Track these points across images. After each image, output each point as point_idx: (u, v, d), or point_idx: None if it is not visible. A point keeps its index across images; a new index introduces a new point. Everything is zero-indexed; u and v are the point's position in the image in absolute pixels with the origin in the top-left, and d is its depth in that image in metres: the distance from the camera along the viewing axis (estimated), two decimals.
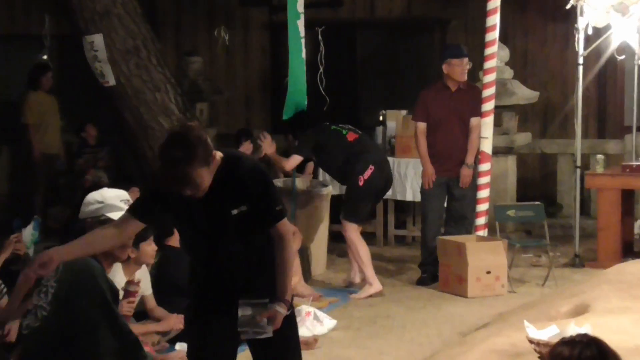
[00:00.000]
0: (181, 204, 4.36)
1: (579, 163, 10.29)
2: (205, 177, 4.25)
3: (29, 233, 6.47)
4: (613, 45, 10.11)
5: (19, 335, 5.02)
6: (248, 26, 13.72)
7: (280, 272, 4.46)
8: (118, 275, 6.24)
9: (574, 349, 3.24)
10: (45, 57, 13.10)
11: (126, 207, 4.99)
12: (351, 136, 8.90)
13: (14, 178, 12.47)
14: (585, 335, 3.39)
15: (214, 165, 4.29)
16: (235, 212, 4.35)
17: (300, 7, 9.05)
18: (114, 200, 5.24)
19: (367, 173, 8.68)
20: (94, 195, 5.32)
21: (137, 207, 4.50)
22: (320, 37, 10.74)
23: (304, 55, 9.12)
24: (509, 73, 11.37)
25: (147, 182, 4.98)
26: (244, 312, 4.28)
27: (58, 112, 11.82)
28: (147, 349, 5.53)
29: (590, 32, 9.77)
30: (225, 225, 4.38)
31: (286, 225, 4.50)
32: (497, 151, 10.24)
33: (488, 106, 9.09)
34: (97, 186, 6.68)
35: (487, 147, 9.08)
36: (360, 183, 8.67)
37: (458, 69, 9.09)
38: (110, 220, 5.02)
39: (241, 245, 4.41)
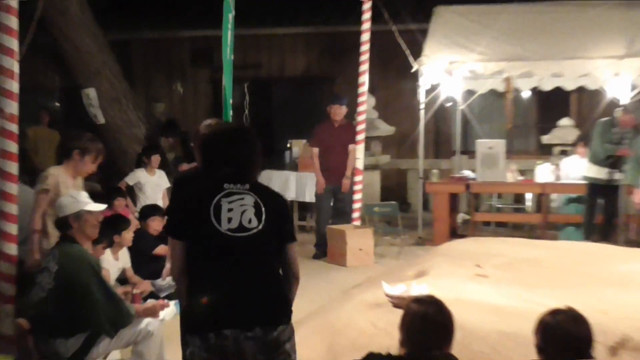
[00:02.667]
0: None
1: (421, 175, 10.18)
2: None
3: None
4: (443, 96, 10.00)
5: (28, 302, 4.43)
6: (197, 81, 13.19)
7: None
8: (107, 256, 5.97)
9: (421, 306, 3.08)
10: (57, 104, 12.61)
11: (89, 200, 4.56)
12: None
13: None
14: (430, 296, 3.19)
15: None
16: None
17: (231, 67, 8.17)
18: (82, 197, 4.62)
19: None
20: (65, 199, 4.63)
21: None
22: (246, 89, 11.04)
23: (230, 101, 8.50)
24: (375, 114, 11.25)
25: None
26: None
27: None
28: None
29: (428, 87, 9.66)
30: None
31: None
32: (366, 167, 9.93)
33: (361, 137, 8.96)
34: (91, 194, 6.17)
35: (360, 164, 8.92)
36: None
37: (331, 110, 8.80)
38: (86, 212, 4.50)
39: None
